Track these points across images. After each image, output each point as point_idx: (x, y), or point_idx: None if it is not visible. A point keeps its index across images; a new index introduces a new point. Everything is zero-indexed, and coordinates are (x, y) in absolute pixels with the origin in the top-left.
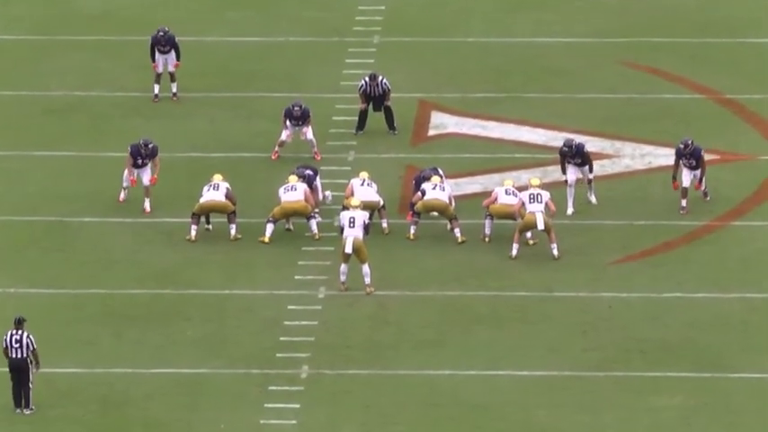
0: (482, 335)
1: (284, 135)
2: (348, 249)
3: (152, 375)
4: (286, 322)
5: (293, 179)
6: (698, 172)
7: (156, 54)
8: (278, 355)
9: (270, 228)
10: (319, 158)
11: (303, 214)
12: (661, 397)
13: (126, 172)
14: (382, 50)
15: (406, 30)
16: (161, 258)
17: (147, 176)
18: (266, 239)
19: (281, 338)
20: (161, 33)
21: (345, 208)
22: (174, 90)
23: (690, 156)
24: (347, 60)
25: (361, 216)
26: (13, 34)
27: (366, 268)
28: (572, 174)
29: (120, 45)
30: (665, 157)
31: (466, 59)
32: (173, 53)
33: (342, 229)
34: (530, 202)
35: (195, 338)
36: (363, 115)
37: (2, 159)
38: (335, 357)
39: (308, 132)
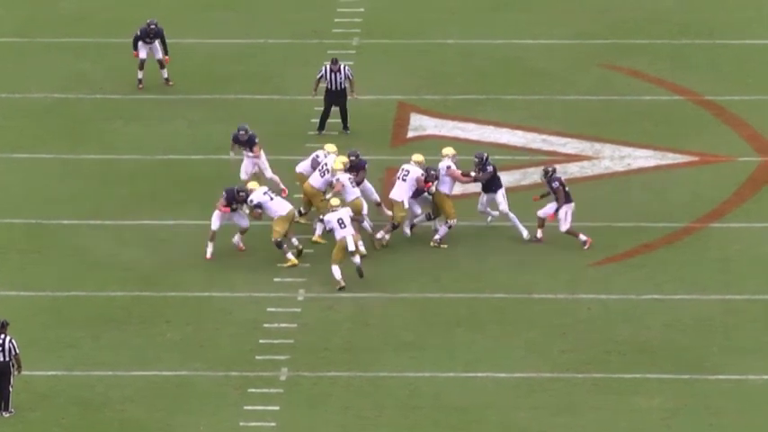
0: (461, 337)
1: (232, 155)
2: (351, 247)
3: (131, 378)
4: (265, 325)
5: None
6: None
7: (140, 44)
8: (257, 357)
9: (320, 227)
10: (286, 195)
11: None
12: (641, 398)
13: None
14: (362, 52)
15: (385, 32)
16: (140, 261)
17: (244, 221)
18: (319, 239)
19: (261, 341)
20: (152, 26)
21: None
22: (166, 76)
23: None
24: (327, 62)
25: (346, 213)
26: None
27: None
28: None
29: (100, 47)
30: (645, 158)
31: (445, 61)
32: (157, 43)
33: (332, 231)
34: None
35: (175, 341)
36: (326, 114)
37: None
38: (315, 360)
39: (267, 170)
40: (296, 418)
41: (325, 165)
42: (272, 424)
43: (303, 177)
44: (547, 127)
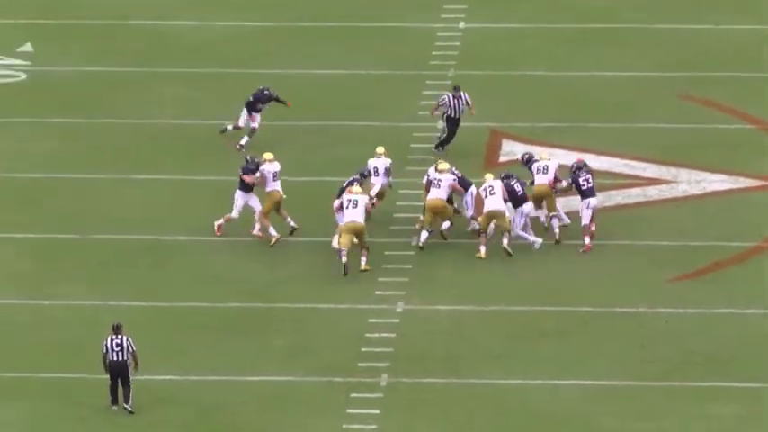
0: (548, 347)
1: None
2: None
3: (243, 383)
4: (367, 334)
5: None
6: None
7: (247, 111)
8: (359, 364)
9: (424, 234)
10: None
11: (444, 215)
12: (715, 405)
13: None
14: (456, 83)
15: (478, 64)
16: (252, 275)
17: (257, 203)
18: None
19: (363, 349)
20: (265, 92)
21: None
22: (243, 143)
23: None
24: (424, 92)
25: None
26: (118, 66)
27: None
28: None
29: (214, 77)
30: (719, 182)
31: (534, 91)
32: (258, 116)
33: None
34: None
35: (283, 349)
36: (451, 135)
37: (107, 182)
38: (412, 367)
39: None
40: (395, 421)
41: (438, 179)
42: (373, 426)
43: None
44: (627, 152)
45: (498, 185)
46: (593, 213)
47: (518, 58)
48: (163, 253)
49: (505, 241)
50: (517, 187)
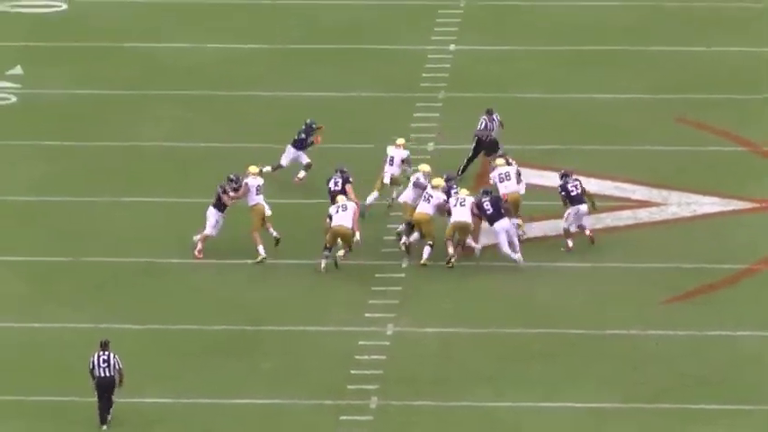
0: (538, 369)
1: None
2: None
3: (233, 405)
4: (356, 356)
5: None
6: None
7: (295, 148)
8: (349, 386)
9: (428, 250)
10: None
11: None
12: (706, 427)
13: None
14: (447, 105)
15: (470, 86)
16: (241, 297)
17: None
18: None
19: (352, 371)
20: (313, 125)
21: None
22: (301, 176)
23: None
24: (415, 114)
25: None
26: (108, 89)
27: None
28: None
29: (206, 99)
30: (710, 205)
31: (527, 114)
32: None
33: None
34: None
35: (272, 372)
36: (472, 160)
37: (99, 204)
38: (402, 389)
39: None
40: None
41: (429, 195)
42: None
43: (408, 206)
44: (619, 175)
45: (469, 199)
46: (583, 218)
47: (509, 80)
48: (155, 275)
49: (452, 250)
50: (486, 206)
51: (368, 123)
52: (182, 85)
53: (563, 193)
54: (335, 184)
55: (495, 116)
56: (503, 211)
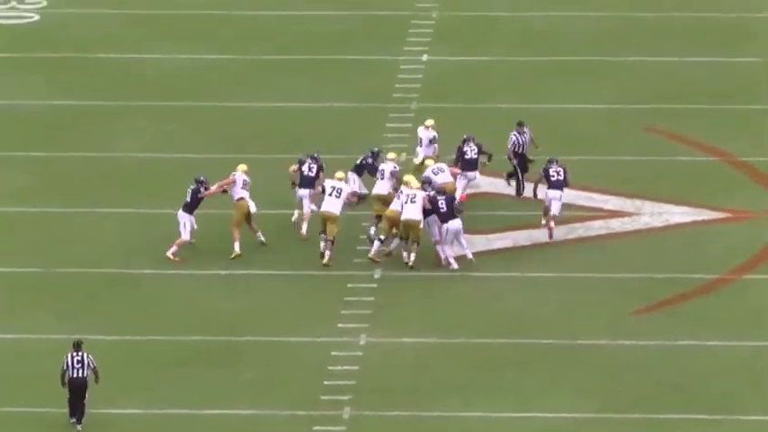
0: (511, 379)
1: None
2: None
3: (206, 416)
4: (329, 367)
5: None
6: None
7: (358, 174)
8: (322, 397)
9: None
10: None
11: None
12: None
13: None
14: (420, 115)
15: (441, 96)
16: (216, 307)
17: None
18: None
19: (325, 382)
20: (379, 153)
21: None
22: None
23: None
24: (388, 125)
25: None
26: (83, 100)
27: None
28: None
29: (181, 110)
30: (681, 215)
31: (498, 124)
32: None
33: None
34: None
35: (245, 382)
36: (518, 174)
37: (73, 215)
38: (376, 399)
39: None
40: None
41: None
42: None
43: (381, 198)
44: (592, 185)
45: (420, 195)
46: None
47: (481, 90)
48: (130, 286)
49: (413, 255)
50: (441, 204)
51: (341, 133)
52: (157, 95)
53: (543, 176)
54: (309, 169)
55: (525, 129)
56: (455, 212)
